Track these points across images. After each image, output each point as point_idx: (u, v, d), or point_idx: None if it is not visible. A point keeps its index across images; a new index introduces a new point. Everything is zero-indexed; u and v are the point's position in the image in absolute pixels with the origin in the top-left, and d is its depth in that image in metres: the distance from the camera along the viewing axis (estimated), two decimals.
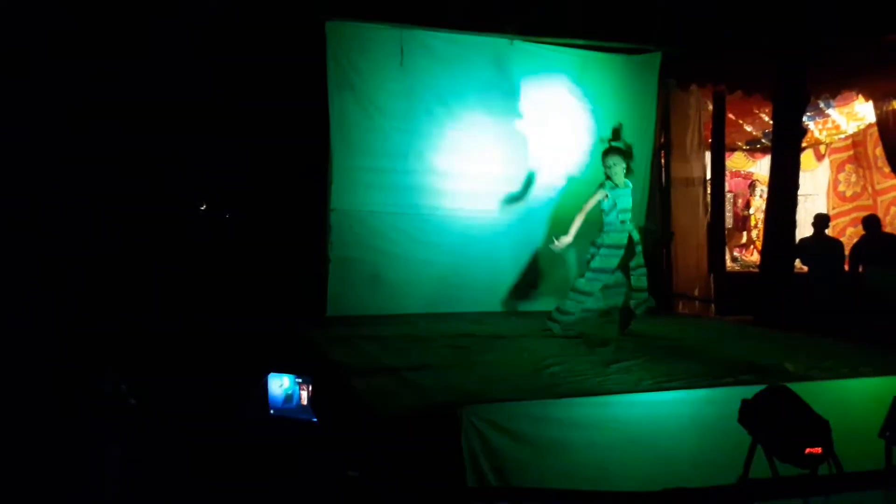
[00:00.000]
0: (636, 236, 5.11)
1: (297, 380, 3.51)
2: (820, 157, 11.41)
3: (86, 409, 3.37)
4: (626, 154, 5.11)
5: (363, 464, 2.89)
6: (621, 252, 5.02)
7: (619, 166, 5.03)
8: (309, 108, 6.11)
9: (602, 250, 5.02)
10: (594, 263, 5.05)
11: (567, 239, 5.02)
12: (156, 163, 6.02)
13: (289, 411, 3.48)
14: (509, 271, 6.63)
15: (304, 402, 3.47)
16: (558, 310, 5.20)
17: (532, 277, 6.73)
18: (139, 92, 5.96)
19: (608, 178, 5.08)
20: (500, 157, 6.67)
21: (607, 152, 5.12)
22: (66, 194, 5.61)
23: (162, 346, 5.12)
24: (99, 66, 5.82)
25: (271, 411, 3.50)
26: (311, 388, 3.47)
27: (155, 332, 5.17)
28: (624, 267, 5.08)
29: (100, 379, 3.46)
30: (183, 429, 4.07)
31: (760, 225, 9.61)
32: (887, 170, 9.84)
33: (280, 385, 3.53)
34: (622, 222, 5.02)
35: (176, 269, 5.72)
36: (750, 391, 2.82)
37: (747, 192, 11.58)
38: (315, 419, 3.40)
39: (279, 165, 6.08)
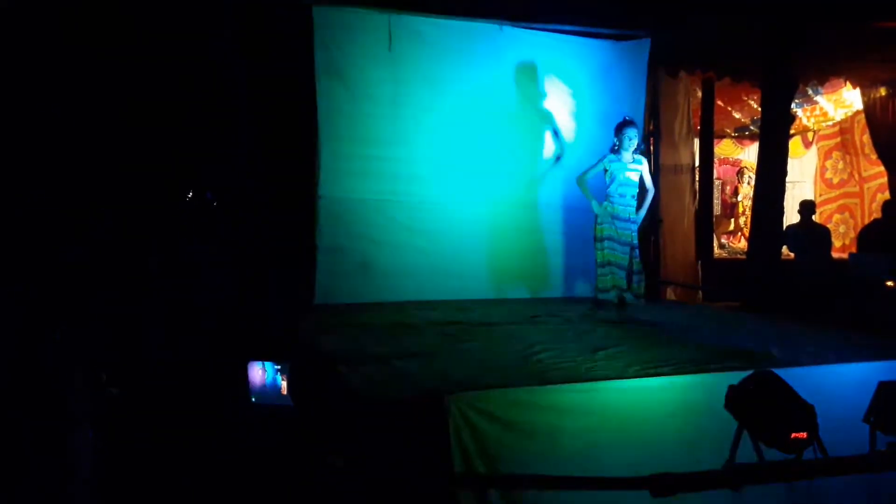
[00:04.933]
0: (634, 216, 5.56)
1: (276, 367, 3.50)
2: (808, 144, 11.45)
3: (58, 400, 3.32)
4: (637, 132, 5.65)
5: (350, 451, 2.88)
6: (623, 223, 5.49)
7: (633, 140, 5.54)
8: (296, 95, 6.05)
9: (600, 220, 5.56)
10: (596, 233, 5.59)
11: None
12: (141, 152, 5.94)
13: (269, 398, 3.47)
14: (498, 258, 6.62)
15: (284, 389, 3.46)
16: (597, 288, 5.66)
17: (521, 264, 6.72)
18: (124, 82, 5.87)
19: (616, 149, 5.56)
20: (489, 143, 6.64)
21: (629, 125, 5.60)
22: (42, 187, 5.53)
23: (146, 334, 5.08)
24: (84, 58, 5.72)
25: (252, 399, 3.49)
26: (291, 375, 3.46)
27: (139, 320, 5.13)
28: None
29: (77, 369, 3.42)
30: (165, 418, 4.04)
31: (748, 212, 9.64)
32: (874, 157, 9.90)
33: (260, 372, 3.52)
34: (621, 195, 5.51)
35: (162, 257, 5.67)
36: (736, 377, 2.83)
37: (735, 179, 11.62)
38: (293, 405, 3.39)
39: (267, 152, 6.02)
